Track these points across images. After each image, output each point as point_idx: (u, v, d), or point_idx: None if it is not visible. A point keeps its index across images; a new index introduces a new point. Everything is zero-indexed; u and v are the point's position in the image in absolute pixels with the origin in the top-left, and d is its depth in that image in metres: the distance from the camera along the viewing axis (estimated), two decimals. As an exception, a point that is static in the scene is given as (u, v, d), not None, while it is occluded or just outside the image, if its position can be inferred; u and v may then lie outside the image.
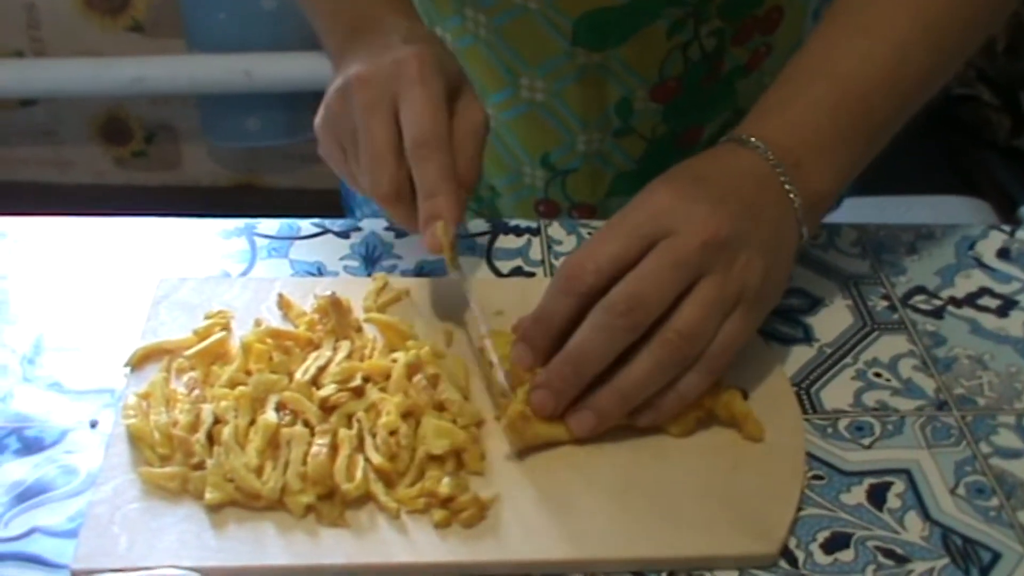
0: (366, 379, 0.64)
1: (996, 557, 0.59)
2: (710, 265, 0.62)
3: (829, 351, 0.72)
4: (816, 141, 0.68)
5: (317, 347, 0.66)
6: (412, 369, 0.64)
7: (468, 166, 0.68)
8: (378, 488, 0.59)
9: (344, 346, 0.66)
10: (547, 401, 0.62)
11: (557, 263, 0.77)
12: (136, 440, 0.61)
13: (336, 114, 0.69)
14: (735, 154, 0.68)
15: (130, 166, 2.47)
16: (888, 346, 0.72)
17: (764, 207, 0.66)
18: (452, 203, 0.66)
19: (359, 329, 0.69)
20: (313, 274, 0.76)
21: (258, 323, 0.68)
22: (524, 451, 0.63)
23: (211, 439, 0.60)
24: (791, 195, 0.66)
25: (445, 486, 0.58)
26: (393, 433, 0.60)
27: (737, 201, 0.64)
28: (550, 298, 0.64)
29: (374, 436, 0.61)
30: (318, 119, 0.71)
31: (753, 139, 0.68)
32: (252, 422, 0.61)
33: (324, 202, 1.12)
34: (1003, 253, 0.81)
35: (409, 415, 0.62)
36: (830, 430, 0.66)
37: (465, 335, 0.70)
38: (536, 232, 0.80)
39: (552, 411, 0.62)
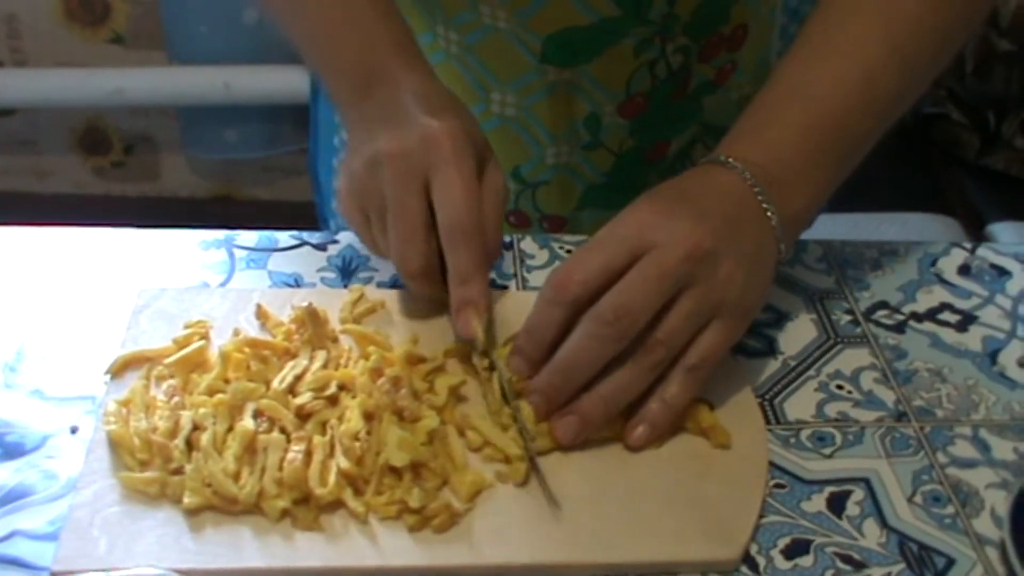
0: (341, 388, 0.65)
1: (950, 563, 0.61)
2: (692, 277, 0.64)
3: (793, 364, 0.73)
4: (792, 161, 0.70)
5: (294, 356, 0.68)
6: (376, 374, 0.65)
7: (492, 238, 0.70)
8: (347, 493, 0.60)
9: (320, 356, 0.68)
10: (540, 406, 0.65)
11: (529, 276, 0.79)
12: (116, 446, 0.62)
13: (364, 183, 0.70)
14: (715, 174, 0.70)
15: (109, 176, 2.47)
16: (850, 359, 0.74)
17: (744, 223, 0.68)
18: (483, 289, 0.68)
19: (335, 339, 0.70)
20: (291, 285, 0.77)
21: (236, 333, 0.70)
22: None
23: (190, 445, 0.62)
24: (769, 213, 0.68)
25: (415, 498, 0.59)
26: (357, 438, 0.62)
27: (718, 217, 0.66)
28: (540, 309, 0.66)
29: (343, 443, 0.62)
30: (342, 183, 0.72)
31: (731, 160, 0.70)
32: (230, 429, 0.62)
33: (302, 214, 1.13)
34: (964, 270, 0.83)
35: (371, 417, 0.63)
36: (793, 440, 0.68)
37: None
38: (508, 246, 0.82)
39: (544, 416, 0.65)
